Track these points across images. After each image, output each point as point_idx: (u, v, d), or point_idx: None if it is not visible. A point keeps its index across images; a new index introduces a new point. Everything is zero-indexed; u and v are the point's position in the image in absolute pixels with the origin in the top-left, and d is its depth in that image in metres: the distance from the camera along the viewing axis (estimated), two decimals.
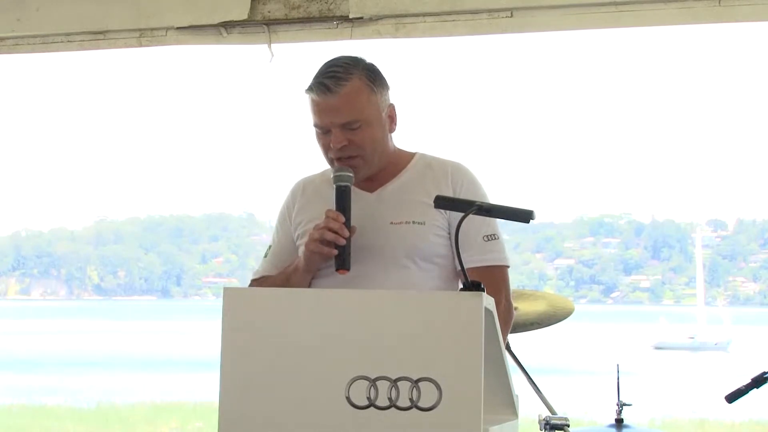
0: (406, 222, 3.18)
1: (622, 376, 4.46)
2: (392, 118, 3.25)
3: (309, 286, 3.20)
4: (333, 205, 3.14)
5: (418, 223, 3.18)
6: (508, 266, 3.28)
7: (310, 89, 3.17)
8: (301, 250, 3.22)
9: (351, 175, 3.15)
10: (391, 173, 3.27)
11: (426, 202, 3.09)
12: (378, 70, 3.23)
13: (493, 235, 3.23)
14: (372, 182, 3.25)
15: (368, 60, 3.23)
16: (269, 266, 3.34)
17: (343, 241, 3.08)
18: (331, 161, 3.21)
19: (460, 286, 2.64)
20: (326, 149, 3.20)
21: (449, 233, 3.19)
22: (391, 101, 3.26)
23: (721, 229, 74.60)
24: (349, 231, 3.10)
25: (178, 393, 23.09)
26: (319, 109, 3.16)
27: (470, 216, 2.75)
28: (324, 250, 3.09)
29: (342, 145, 3.15)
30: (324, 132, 3.18)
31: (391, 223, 3.18)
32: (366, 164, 3.20)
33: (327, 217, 3.10)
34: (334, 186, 3.15)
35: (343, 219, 3.09)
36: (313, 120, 3.19)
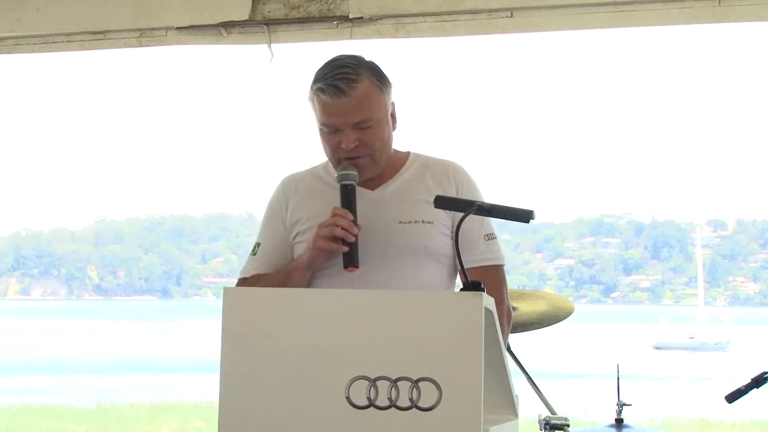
0: (415, 221, 3.17)
1: (622, 377, 4.46)
2: (394, 117, 3.24)
3: (310, 284, 3.18)
4: (333, 203, 3.13)
5: (427, 222, 3.17)
6: (504, 265, 3.29)
7: (321, 91, 3.13)
8: (299, 248, 3.21)
9: (356, 173, 3.14)
10: (390, 172, 3.26)
11: (430, 201, 3.08)
12: (380, 68, 3.21)
13: (493, 234, 3.25)
14: (372, 180, 3.23)
15: (367, 58, 3.22)
16: (260, 264, 3.29)
17: (352, 238, 3.07)
18: (338, 161, 3.18)
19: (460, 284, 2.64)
20: (334, 149, 3.17)
21: (452, 232, 3.19)
22: (392, 99, 3.25)
23: (721, 229, 74.58)
24: (357, 228, 3.09)
25: (178, 393, 23.12)
26: (330, 110, 3.13)
27: (471, 215, 2.75)
28: (333, 247, 3.08)
29: (354, 145, 3.13)
30: (332, 131, 3.15)
31: (400, 222, 3.17)
32: (374, 163, 3.18)
33: (335, 214, 3.09)
34: (339, 185, 3.14)
35: (351, 216, 3.08)
36: (320, 119, 3.16)
